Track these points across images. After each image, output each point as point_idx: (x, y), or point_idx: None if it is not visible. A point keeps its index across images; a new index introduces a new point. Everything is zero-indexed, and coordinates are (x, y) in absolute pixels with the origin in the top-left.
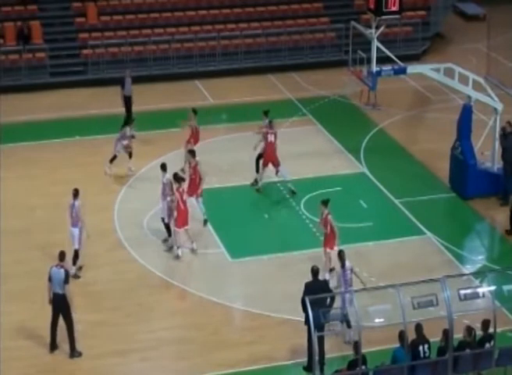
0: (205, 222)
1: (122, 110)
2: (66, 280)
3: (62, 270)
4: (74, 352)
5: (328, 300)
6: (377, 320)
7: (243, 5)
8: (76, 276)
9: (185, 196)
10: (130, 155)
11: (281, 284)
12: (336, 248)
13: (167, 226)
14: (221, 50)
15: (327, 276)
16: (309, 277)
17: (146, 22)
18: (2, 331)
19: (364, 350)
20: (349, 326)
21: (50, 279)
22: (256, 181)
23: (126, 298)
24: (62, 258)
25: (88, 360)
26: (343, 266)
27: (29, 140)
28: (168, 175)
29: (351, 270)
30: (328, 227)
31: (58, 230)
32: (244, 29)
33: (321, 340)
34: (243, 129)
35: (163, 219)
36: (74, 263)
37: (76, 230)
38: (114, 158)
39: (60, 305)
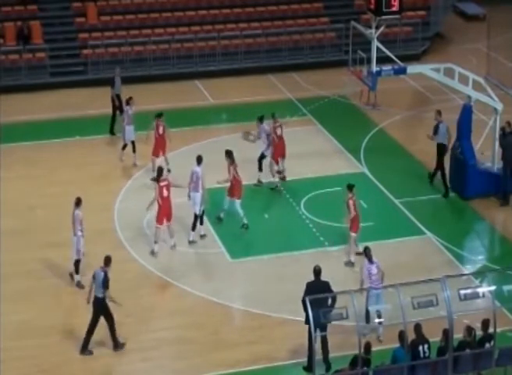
0: (244, 226)
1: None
2: (104, 284)
3: (102, 274)
4: (118, 345)
5: (330, 300)
6: (377, 320)
7: (243, 5)
8: (81, 286)
9: (165, 192)
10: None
11: (281, 284)
12: (355, 234)
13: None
14: (221, 50)
15: (352, 259)
16: (309, 277)
17: (146, 22)
18: (2, 331)
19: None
20: (367, 320)
21: (94, 278)
22: (260, 182)
23: (126, 298)
24: (106, 262)
25: (88, 360)
26: (369, 261)
27: (29, 140)
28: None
29: (377, 266)
30: (352, 211)
31: (58, 230)
32: (244, 29)
33: (324, 340)
34: (243, 129)
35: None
36: (77, 272)
37: (74, 239)
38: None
39: (99, 309)
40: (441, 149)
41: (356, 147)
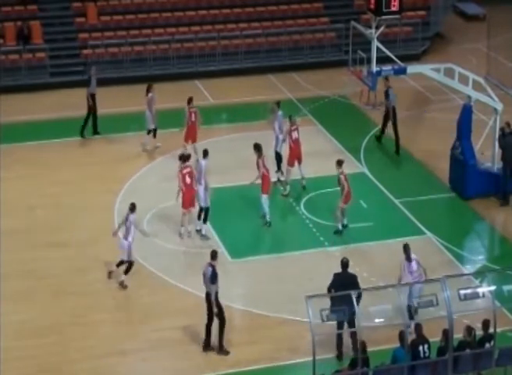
0: (267, 224)
1: (121, 110)
2: (212, 280)
3: (210, 269)
4: (222, 351)
5: (356, 295)
6: (377, 320)
7: (243, 5)
8: (124, 286)
9: (188, 179)
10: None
11: (281, 284)
12: (345, 205)
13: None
14: (221, 50)
15: (340, 227)
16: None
17: (146, 22)
18: (2, 331)
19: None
20: (411, 317)
21: (204, 275)
22: (280, 181)
23: (126, 297)
24: (212, 257)
25: (88, 360)
26: (407, 258)
27: (29, 140)
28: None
29: (417, 262)
30: (345, 186)
31: (58, 230)
32: (244, 29)
33: (353, 335)
34: (243, 129)
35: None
36: (126, 273)
37: (125, 243)
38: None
39: (210, 301)
40: (394, 111)
41: (356, 147)
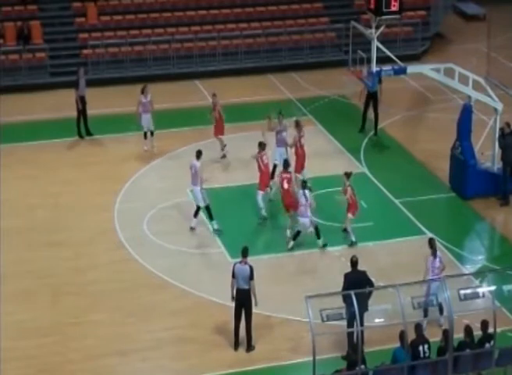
0: (261, 218)
1: (121, 110)
2: (251, 276)
3: (247, 266)
4: (251, 347)
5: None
6: (377, 320)
7: (243, 5)
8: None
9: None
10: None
11: (281, 284)
12: (352, 216)
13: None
14: (221, 50)
15: (353, 239)
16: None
17: (146, 22)
18: (2, 331)
19: (364, 350)
20: (441, 312)
21: (234, 275)
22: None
23: (126, 298)
24: (245, 254)
25: (88, 360)
26: (433, 253)
27: (29, 140)
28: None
29: (440, 259)
30: (348, 198)
31: (58, 229)
32: (244, 29)
33: (350, 335)
34: (243, 129)
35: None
36: (195, 216)
37: (197, 189)
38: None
39: (244, 301)
40: (374, 96)
41: (356, 147)
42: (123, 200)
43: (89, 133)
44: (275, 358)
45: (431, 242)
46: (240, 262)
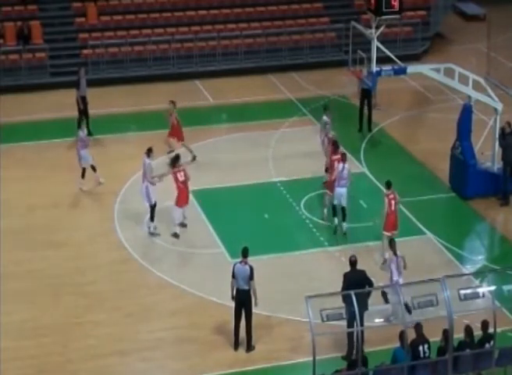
0: (174, 235)
1: (121, 110)
2: (251, 276)
3: (247, 267)
4: (251, 347)
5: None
6: (377, 320)
7: (243, 5)
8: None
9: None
10: (94, 169)
11: (281, 284)
12: (390, 234)
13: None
14: (221, 50)
15: (386, 255)
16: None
17: (146, 22)
18: (2, 331)
19: (364, 350)
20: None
21: (234, 275)
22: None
23: (125, 298)
24: (245, 254)
25: (88, 360)
26: (395, 253)
27: (29, 140)
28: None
29: (402, 258)
30: (386, 208)
31: (58, 230)
32: (244, 29)
33: (350, 335)
34: (243, 129)
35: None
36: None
37: (144, 186)
38: (84, 172)
39: (244, 301)
40: (368, 93)
41: (356, 147)
42: (123, 200)
43: (89, 134)
44: (275, 358)
45: (391, 243)
46: (240, 263)
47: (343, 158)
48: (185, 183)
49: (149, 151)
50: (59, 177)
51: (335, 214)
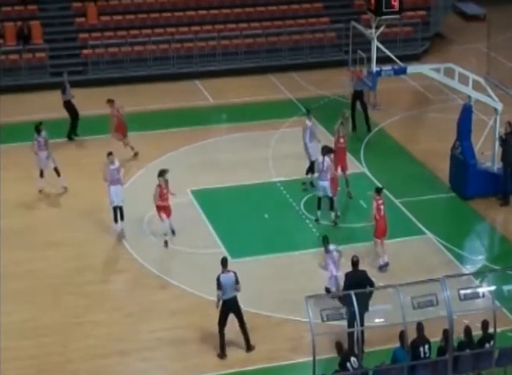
0: (165, 243)
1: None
2: (237, 280)
3: (231, 273)
4: (250, 347)
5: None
6: (377, 320)
7: (243, 5)
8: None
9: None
10: (58, 173)
11: (281, 284)
12: (379, 240)
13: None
14: (221, 50)
15: (383, 260)
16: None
17: (146, 22)
18: (2, 331)
19: (364, 350)
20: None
21: (220, 287)
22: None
23: (125, 298)
24: (225, 264)
25: (88, 360)
26: (326, 250)
27: (29, 140)
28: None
29: (337, 251)
30: (374, 214)
31: (58, 230)
32: (244, 29)
33: (351, 335)
34: (243, 129)
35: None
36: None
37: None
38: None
39: (233, 307)
40: (359, 95)
41: (356, 147)
42: (123, 200)
43: (70, 137)
44: (275, 358)
45: (323, 239)
46: (223, 272)
47: (323, 152)
48: (165, 196)
49: (108, 154)
50: (60, 177)
51: (319, 207)
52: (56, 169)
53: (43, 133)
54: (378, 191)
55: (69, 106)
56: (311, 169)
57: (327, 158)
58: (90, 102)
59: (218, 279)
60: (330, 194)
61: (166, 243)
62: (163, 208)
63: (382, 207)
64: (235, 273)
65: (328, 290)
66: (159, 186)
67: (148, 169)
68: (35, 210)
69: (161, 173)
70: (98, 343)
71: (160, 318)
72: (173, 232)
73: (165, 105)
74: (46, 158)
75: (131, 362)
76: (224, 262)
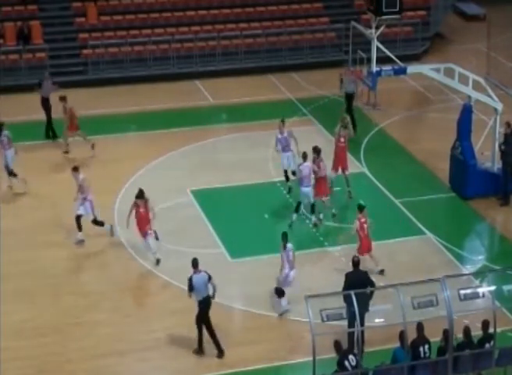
0: (157, 262)
1: (121, 110)
2: (210, 277)
3: (203, 273)
4: (222, 351)
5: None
6: (377, 320)
7: (243, 5)
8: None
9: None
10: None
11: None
12: (366, 255)
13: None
14: (221, 50)
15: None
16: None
17: (146, 22)
18: (2, 331)
19: (364, 350)
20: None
21: (192, 288)
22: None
23: (125, 298)
24: (196, 265)
25: (88, 360)
26: (284, 247)
27: (28, 140)
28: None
29: (292, 251)
30: (357, 233)
31: (58, 230)
32: (244, 29)
33: (351, 335)
34: (243, 129)
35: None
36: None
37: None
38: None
39: (209, 307)
40: (349, 97)
41: (356, 147)
42: (123, 200)
43: (48, 136)
44: (275, 358)
45: (282, 236)
46: (195, 273)
47: (304, 157)
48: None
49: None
50: (59, 177)
51: (297, 210)
52: (9, 169)
53: (5, 132)
54: (361, 209)
55: (46, 105)
56: (286, 178)
57: (306, 164)
58: (90, 102)
59: (190, 279)
60: (312, 200)
61: (158, 261)
62: (141, 227)
63: (365, 226)
64: (206, 272)
65: (278, 290)
66: (135, 205)
67: (148, 170)
68: (35, 210)
69: (140, 195)
70: (98, 343)
71: (159, 318)
72: (157, 238)
73: (165, 105)
74: (14, 155)
75: (131, 362)
76: (194, 263)
